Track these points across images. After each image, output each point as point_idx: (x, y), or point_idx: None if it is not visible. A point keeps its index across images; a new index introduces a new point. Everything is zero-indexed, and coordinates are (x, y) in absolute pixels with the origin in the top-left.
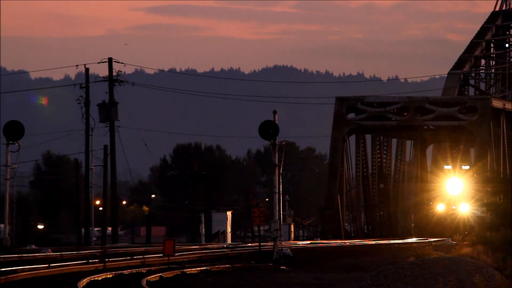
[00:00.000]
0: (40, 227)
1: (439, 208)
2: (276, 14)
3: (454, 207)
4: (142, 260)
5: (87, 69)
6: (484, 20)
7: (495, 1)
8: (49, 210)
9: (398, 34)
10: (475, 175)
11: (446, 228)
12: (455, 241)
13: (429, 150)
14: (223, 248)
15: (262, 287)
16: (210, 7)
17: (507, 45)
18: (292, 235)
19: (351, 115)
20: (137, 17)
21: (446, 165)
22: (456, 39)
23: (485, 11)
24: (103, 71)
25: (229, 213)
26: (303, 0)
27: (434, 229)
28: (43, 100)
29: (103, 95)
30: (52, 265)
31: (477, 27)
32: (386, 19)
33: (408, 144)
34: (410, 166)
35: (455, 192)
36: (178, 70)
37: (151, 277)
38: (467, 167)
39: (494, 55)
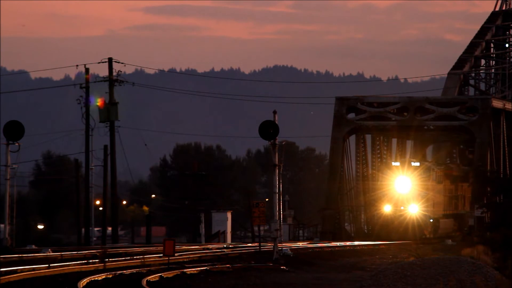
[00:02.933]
0: (40, 227)
1: (386, 209)
2: (273, 14)
3: (402, 208)
4: (142, 260)
5: (87, 69)
6: (484, 20)
7: (494, 1)
8: (49, 210)
9: (398, 34)
10: (424, 173)
11: (393, 230)
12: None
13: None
14: (223, 248)
15: (262, 287)
16: (208, 7)
17: (507, 45)
18: (292, 235)
19: (351, 115)
20: (135, 17)
21: (394, 162)
22: (455, 39)
23: (484, 11)
24: (103, 71)
25: (229, 213)
26: (300, 0)
27: (380, 232)
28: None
29: (103, 95)
30: (52, 265)
31: (476, 27)
32: (384, 19)
33: (408, 143)
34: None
35: (403, 191)
36: (178, 70)
37: (151, 277)
38: (417, 164)
39: (494, 55)
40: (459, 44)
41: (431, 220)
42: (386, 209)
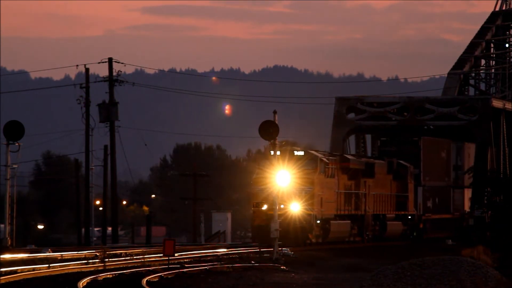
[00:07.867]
0: (40, 227)
1: (263, 208)
2: (272, 14)
3: (282, 206)
4: (142, 260)
5: (87, 69)
6: (482, 20)
7: (493, 1)
8: (49, 210)
9: (397, 34)
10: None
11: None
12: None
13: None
14: (223, 248)
15: (262, 287)
16: (205, 7)
17: (507, 45)
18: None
19: (351, 115)
20: (134, 18)
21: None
22: (454, 39)
23: (482, 11)
24: (103, 71)
25: (229, 213)
26: (297, 0)
27: (257, 234)
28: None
29: (103, 95)
30: (52, 265)
31: (475, 27)
32: (383, 19)
33: None
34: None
35: (282, 185)
36: (178, 70)
37: (151, 277)
38: (301, 153)
39: (494, 55)
40: (458, 44)
41: (318, 222)
42: (263, 207)
